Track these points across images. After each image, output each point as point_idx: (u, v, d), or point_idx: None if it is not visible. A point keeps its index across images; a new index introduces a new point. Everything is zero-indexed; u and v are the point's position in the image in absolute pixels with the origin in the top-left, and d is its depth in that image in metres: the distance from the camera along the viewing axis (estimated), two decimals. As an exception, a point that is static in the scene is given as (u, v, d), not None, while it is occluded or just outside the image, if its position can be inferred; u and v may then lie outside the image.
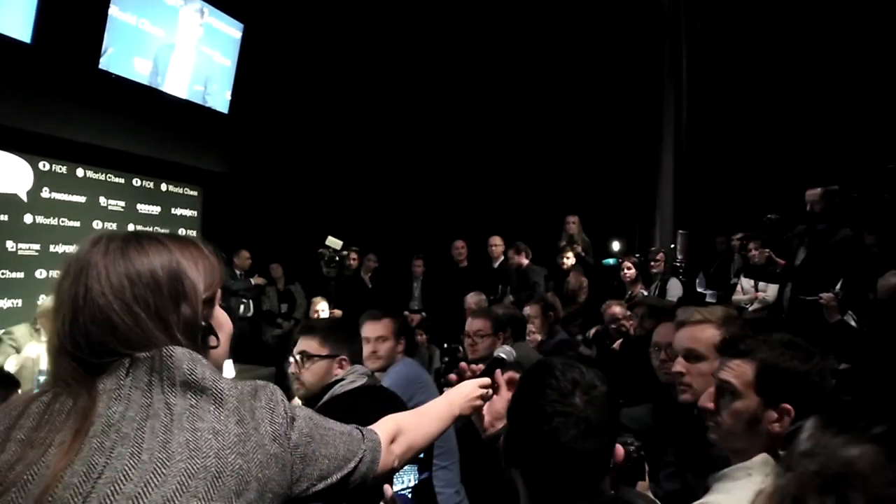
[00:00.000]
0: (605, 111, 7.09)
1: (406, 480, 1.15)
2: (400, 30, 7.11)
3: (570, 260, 5.99)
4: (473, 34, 7.11)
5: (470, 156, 7.55)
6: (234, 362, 4.74)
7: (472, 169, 7.53)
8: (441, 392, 1.70)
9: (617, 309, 4.32)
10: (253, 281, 7.01)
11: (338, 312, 5.55)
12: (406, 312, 7.23)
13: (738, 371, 1.35)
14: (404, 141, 7.68)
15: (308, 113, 7.34)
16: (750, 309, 4.96)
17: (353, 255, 6.82)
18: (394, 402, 2.07)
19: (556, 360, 1.07)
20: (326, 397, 2.03)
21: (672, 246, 6.45)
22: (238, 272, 6.99)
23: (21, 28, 4.58)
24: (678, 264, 6.21)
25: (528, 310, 4.36)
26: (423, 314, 7.03)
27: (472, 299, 4.67)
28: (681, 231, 6.30)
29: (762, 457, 1.27)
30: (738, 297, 5.31)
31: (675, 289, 5.73)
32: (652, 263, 5.82)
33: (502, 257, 6.46)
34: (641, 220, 7.27)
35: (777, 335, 1.40)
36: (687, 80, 6.99)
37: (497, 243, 6.47)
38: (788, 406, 1.28)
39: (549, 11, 6.97)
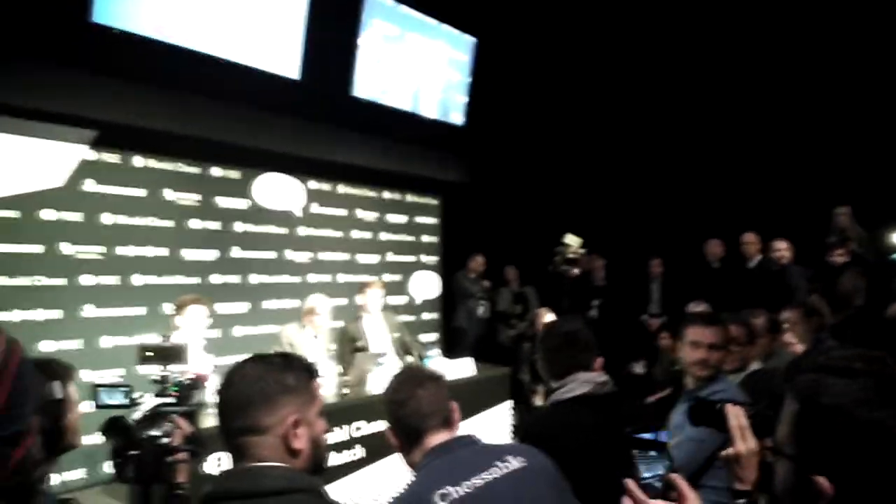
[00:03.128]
0: (877, 77, 5.94)
1: (655, 469, 1.10)
2: (636, 26, 6.79)
3: (842, 258, 5.16)
4: (725, 21, 6.49)
5: (715, 145, 6.91)
6: (476, 360, 4.98)
7: (718, 159, 6.87)
8: None
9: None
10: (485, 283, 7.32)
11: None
12: (644, 316, 6.91)
13: None
14: (640, 136, 7.33)
15: (541, 118, 7.41)
16: None
17: (589, 255, 6.73)
18: None
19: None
20: None
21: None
22: (472, 275, 7.32)
23: (291, 67, 5.35)
24: None
25: (786, 315, 3.84)
26: (665, 318, 6.65)
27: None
28: None
29: None
30: None
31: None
32: None
33: (759, 256, 5.83)
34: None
35: None
36: None
37: (751, 241, 5.88)
38: None
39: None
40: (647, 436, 1.11)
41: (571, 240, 6.27)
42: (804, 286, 5.13)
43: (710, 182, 6.86)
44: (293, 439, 1.24)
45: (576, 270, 6.45)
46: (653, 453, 1.11)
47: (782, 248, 5.45)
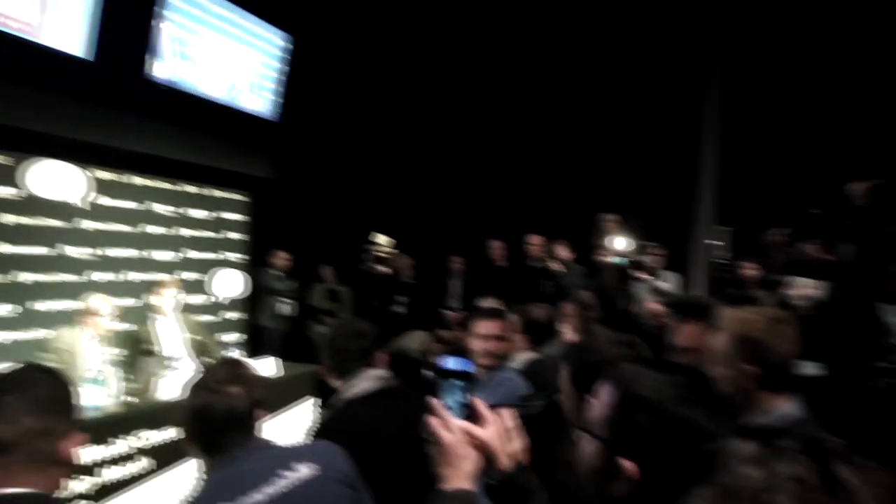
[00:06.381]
0: (645, 108, 6.95)
1: (454, 395, 1.14)
2: (439, 35, 7.13)
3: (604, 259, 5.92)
4: (507, 36, 7.07)
5: (508, 155, 7.55)
6: (283, 359, 4.91)
7: (511, 167, 7.54)
8: None
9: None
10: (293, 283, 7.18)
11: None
12: (445, 311, 7.29)
13: None
14: (443, 142, 7.73)
15: (353, 119, 7.48)
16: (799, 306, 4.82)
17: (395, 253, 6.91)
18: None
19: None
20: None
21: (715, 243, 6.29)
22: (276, 272, 7.12)
23: (78, 44, 4.83)
24: (724, 262, 6.05)
25: (565, 308, 4.32)
26: (466, 312, 7.06)
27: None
28: (722, 227, 6.14)
29: None
30: (788, 292, 5.17)
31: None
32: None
33: (542, 256, 6.43)
34: (681, 218, 7.05)
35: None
36: (725, 76, 6.77)
37: (535, 242, 6.42)
38: None
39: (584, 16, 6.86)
40: (450, 364, 1.19)
41: (380, 238, 6.43)
42: (580, 283, 5.78)
43: (504, 185, 7.50)
44: None
45: (385, 268, 6.61)
46: (455, 381, 1.14)
47: (560, 249, 6.07)
